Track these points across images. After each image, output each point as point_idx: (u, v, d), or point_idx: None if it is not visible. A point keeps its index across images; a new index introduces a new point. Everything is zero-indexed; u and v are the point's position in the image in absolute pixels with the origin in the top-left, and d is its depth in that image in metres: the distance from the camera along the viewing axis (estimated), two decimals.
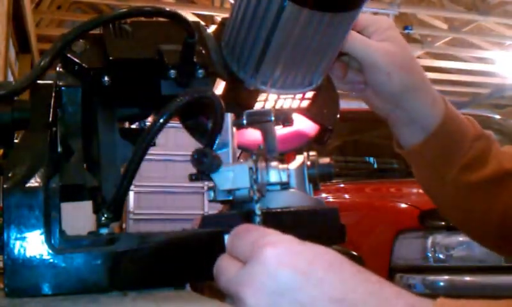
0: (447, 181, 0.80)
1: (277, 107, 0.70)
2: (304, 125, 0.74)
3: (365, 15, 0.74)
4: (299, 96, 0.70)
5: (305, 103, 0.71)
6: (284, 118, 0.68)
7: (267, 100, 0.69)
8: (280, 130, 0.70)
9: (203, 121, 0.68)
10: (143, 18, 0.66)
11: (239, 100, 0.67)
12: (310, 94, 0.70)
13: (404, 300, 0.44)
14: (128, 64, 0.62)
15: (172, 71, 0.61)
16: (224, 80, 0.65)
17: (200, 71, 0.62)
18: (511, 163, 0.79)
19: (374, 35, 0.74)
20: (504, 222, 0.78)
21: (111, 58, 0.60)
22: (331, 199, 2.77)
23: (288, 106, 0.71)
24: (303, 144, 0.74)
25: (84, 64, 0.61)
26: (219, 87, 0.66)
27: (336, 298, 0.44)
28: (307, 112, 0.72)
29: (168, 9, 0.63)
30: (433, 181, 0.83)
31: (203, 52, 0.63)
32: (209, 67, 0.63)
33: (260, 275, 0.46)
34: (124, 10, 0.63)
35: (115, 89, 0.62)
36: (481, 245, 0.89)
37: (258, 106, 0.69)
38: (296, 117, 0.71)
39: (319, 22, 0.58)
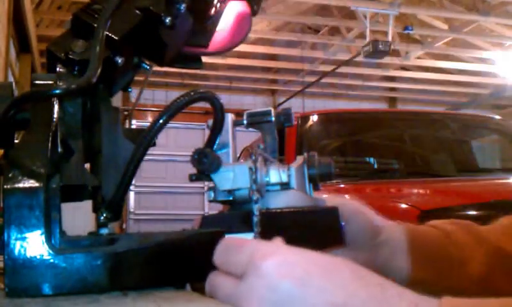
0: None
1: None
2: (239, 7, 0.82)
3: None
4: None
5: None
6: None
7: None
8: (226, 24, 0.79)
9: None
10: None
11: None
12: None
13: (407, 300, 0.44)
14: (131, 35, 0.63)
15: (167, 19, 0.64)
16: None
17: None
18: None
19: None
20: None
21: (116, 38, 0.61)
22: None
23: None
24: (249, 21, 0.83)
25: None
26: None
27: (337, 303, 0.44)
28: None
29: None
30: None
31: None
32: None
33: (260, 289, 0.46)
34: None
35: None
36: None
37: None
38: (231, 5, 0.80)
39: None
